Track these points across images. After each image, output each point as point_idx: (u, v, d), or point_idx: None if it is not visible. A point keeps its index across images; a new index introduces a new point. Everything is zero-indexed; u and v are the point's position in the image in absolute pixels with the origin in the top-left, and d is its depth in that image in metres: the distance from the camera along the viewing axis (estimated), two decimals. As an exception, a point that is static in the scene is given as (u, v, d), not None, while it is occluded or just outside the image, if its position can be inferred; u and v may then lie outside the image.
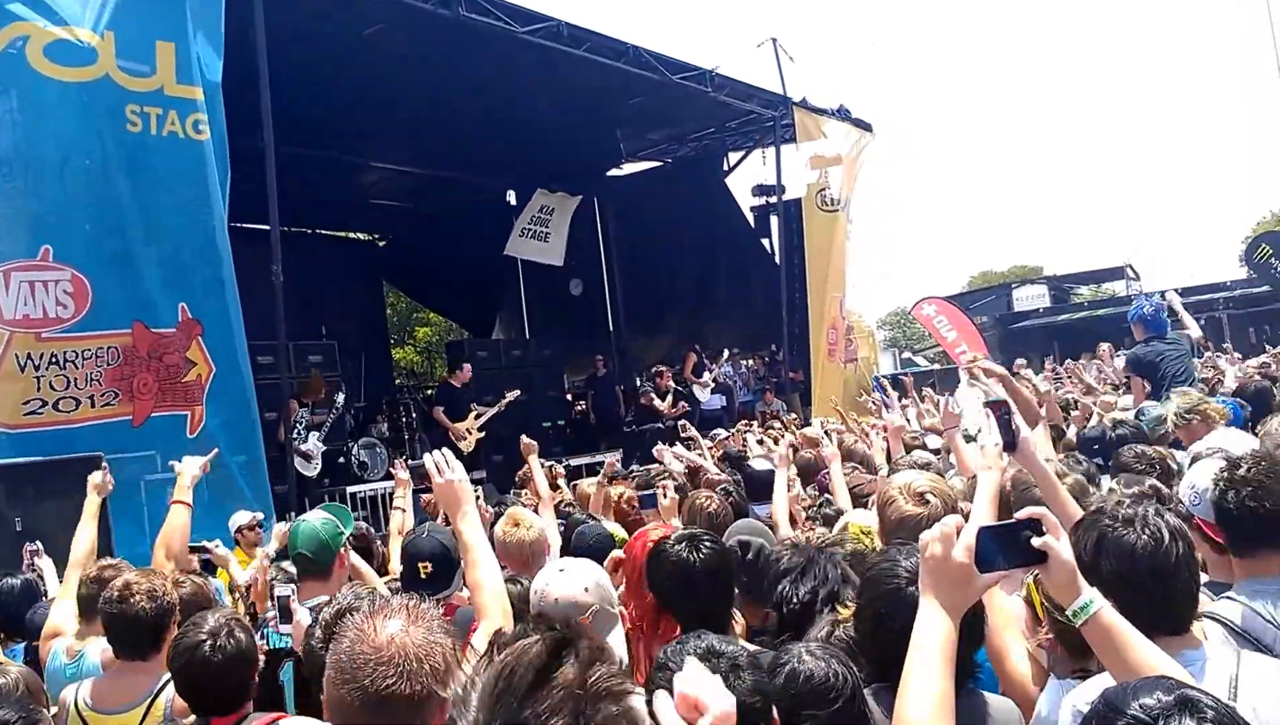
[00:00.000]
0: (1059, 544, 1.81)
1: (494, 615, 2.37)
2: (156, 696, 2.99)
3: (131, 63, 6.65)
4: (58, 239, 6.32)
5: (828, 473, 5.28)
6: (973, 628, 1.99)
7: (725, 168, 16.50)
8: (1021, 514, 1.88)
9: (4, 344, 6.12)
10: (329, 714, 1.71)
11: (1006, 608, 2.21)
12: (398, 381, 17.45)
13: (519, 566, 3.56)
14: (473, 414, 11.62)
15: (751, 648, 2.65)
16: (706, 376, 14.42)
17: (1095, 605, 1.80)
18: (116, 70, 6.57)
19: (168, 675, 2.96)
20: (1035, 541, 1.80)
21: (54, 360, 6.28)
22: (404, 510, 5.30)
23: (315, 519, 3.66)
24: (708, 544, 2.73)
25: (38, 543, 4.90)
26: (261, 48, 7.75)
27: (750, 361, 16.19)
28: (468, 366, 12.22)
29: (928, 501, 2.77)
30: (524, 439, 6.00)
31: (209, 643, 2.59)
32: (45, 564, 4.73)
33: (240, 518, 6.75)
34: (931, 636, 1.75)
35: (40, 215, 6.32)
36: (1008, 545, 1.81)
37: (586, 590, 2.44)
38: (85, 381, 6.43)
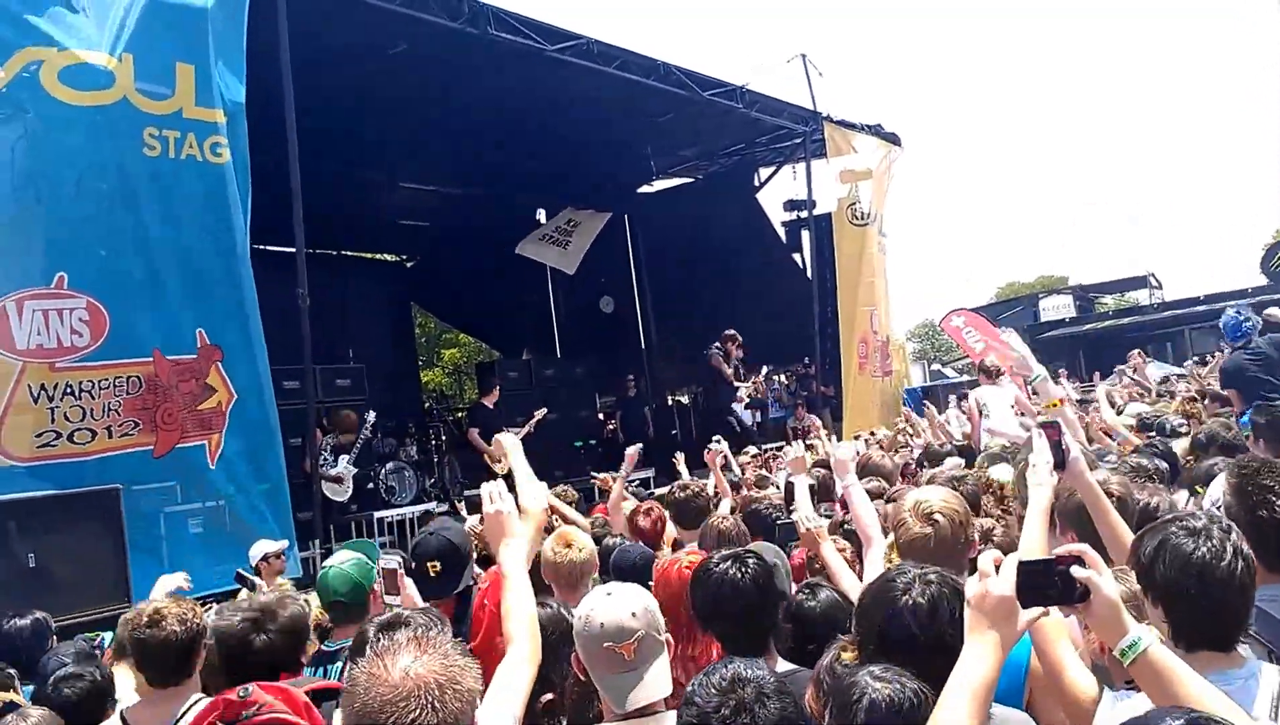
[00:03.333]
0: (1102, 580, 1.80)
1: (522, 641, 2.39)
2: (180, 719, 2.96)
3: (150, 85, 6.54)
4: (72, 266, 6.18)
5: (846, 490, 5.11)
6: None
7: (756, 183, 16.36)
8: (1061, 551, 1.85)
9: (16, 375, 5.95)
10: None
11: (1058, 619, 2.15)
12: (426, 404, 17.32)
13: (566, 586, 3.55)
14: (507, 436, 11.38)
15: (788, 665, 2.62)
16: (742, 391, 14.20)
17: (1144, 643, 1.78)
18: (135, 93, 6.45)
19: (196, 697, 3.01)
20: (1078, 573, 1.79)
21: (69, 390, 6.12)
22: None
23: (342, 561, 3.56)
24: (753, 563, 2.70)
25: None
26: (286, 67, 7.67)
27: (783, 377, 16.00)
28: (496, 389, 11.95)
29: (935, 522, 2.65)
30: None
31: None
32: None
33: (265, 546, 6.55)
34: (969, 673, 1.73)
35: (54, 242, 6.18)
36: (1048, 583, 1.80)
37: (634, 615, 2.26)
38: (103, 412, 6.27)
